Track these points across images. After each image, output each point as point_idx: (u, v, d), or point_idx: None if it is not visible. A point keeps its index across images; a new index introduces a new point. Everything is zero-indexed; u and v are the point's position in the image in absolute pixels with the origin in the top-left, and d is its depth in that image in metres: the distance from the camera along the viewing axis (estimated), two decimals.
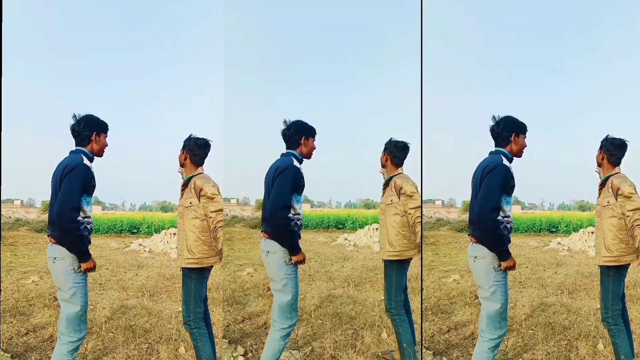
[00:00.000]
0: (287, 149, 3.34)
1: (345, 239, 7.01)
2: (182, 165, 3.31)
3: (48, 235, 2.98)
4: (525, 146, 3.13)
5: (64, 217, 2.85)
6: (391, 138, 3.61)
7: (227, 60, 4.24)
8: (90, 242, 3.00)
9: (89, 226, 2.98)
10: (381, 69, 5.58)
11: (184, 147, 3.30)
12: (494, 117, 3.13)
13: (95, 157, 3.09)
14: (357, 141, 5.37)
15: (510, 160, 3.06)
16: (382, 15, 5.44)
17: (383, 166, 3.63)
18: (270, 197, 3.15)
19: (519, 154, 3.11)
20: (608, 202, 3.19)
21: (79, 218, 2.91)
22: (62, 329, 2.94)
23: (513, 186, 2.98)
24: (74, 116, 3.09)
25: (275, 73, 5.73)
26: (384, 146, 3.64)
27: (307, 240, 7.05)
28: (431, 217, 6.57)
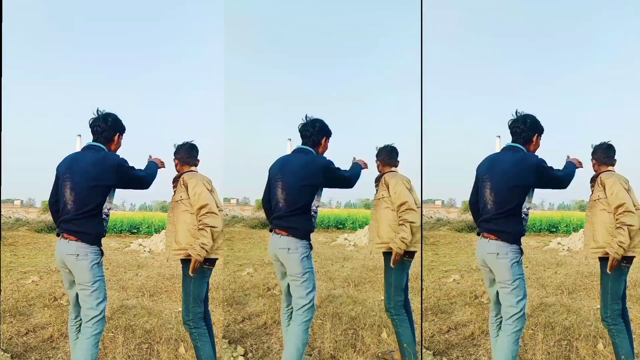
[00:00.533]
0: (303, 144, 3.33)
1: (345, 239, 7.02)
2: (179, 171, 3.36)
3: (61, 233, 2.98)
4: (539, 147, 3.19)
5: (149, 183, 3.17)
6: (377, 147, 3.69)
7: (227, 61, 4.24)
8: (105, 234, 3.07)
9: (107, 218, 3.07)
10: (381, 70, 5.58)
11: (175, 157, 3.38)
12: (516, 112, 3.14)
13: None
14: (357, 141, 5.37)
15: None
16: (382, 16, 5.44)
17: (381, 173, 3.68)
18: (346, 182, 3.34)
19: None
20: (599, 197, 3.26)
21: (105, 210, 3.05)
22: (86, 324, 2.96)
23: None
24: (98, 111, 3.09)
25: (275, 74, 5.73)
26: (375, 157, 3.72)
27: None
28: (431, 217, 6.57)
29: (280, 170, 3.28)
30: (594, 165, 3.39)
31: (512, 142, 3.12)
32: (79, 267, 2.94)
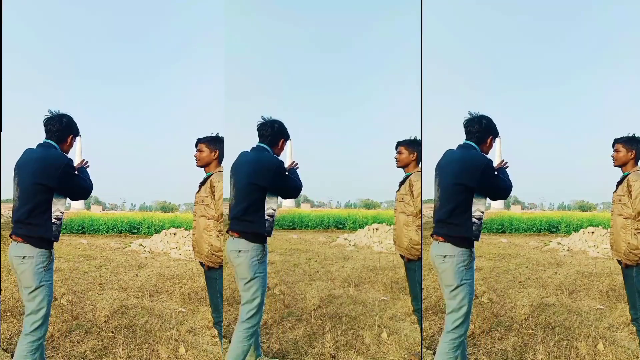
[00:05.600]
0: (259, 143, 3.27)
1: (346, 239, 7.00)
2: (207, 164, 3.37)
3: (11, 235, 2.91)
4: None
5: (89, 194, 2.97)
6: (416, 137, 3.72)
7: (227, 61, 4.24)
8: (54, 239, 2.93)
9: (59, 222, 2.94)
10: (381, 70, 5.58)
11: (215, 145, 3.37)
12: (470, 113, 3.09)
13: None
14: (358, 141, 5.36)
15: None
16: (382, 17, 5.44)
17: (406, 165, 3.75)
18: (289, 193, 3.22)
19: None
20: (620, 200, 3.26)
21: (55, 214, 2.90)
22: (26, 328, 2.92)
23: None
24: (51, 112, 3.04)
25: (275, 73, 5.73)
26: (409, 145, 3.74)
27: (307, 240, 7.06)
28: (431, 217, 6.55)
29: (233, 167, 3.22)
30: (631, 156, 3.29)
31: (465, 139, 3.08)
32: (23, 269, 2.87)
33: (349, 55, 5.74)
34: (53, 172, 2.87)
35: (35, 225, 2.86)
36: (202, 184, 3.39)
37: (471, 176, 2.92)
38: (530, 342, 3.91)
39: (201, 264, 3.43)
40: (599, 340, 3.84)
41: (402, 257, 3.82)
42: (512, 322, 4.31)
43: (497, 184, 2.97)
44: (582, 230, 7.58)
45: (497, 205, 7.74)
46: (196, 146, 3.40)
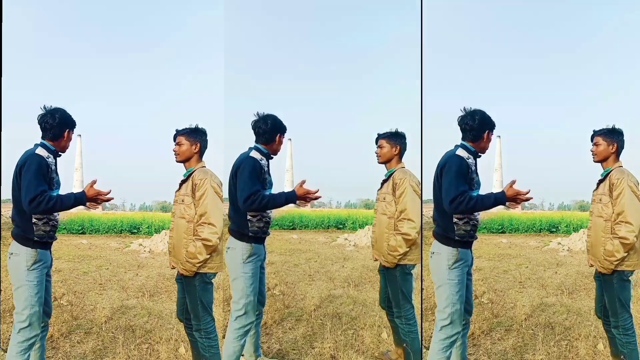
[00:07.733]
0: (255, 142, 3.19)
1: (346, 239, 7.01)
2: (188, 158, 3.02)
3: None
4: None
5: (31, 209, 2.73)
6: (397, 129, 3.35)
7: (226, 60, 4.24)
8: (56, 238, 2.90)
9: (51, 223, 2.86)
10: (381, 69, 5.58)
11: (195, 138, 3.02)
12: (464, 109, 2.95)
13: (60, 153, 2.96)
14: (358, 141, 5.37)
15: (475, 156, 2.93)
16: (382, 14, 5.44)
17: (389, 160, 3.35)
18: (238, 194, 3.02)
19: (484, 151, 2.97)
20: (601, 199, 2.98)
21: (34, 219, 2.81)
22: (15, 325, 2.84)
23: (473, 179, 2.87)
24: (45, 107, 2.92)
25: (275, 72, 5.73)
26: (391, 138, 3.33)
27: (307, 240, 7.07)
28: (431, 217, 6.56)
29: (231, 168, 3.18)
30: (612, 150, 2.98)
31: (461, 139, 2.96)
32: (10, 265, 2.82)
33: (350, 54, 5.74)
34: (17, 172, 2.82)
35: (20, 224, 2.84)
36: (184, 181, 3.01)
37: (438, 175, 2.91)
38: (530, 342, 3.91)
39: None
40: (599, 340, 3.84)
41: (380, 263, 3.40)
42: (512, 323, 4.31)
43: (445, 184, 2.81)
44: (582, 230, 7.58)
45: None
46: (174, 139, 3.04)
